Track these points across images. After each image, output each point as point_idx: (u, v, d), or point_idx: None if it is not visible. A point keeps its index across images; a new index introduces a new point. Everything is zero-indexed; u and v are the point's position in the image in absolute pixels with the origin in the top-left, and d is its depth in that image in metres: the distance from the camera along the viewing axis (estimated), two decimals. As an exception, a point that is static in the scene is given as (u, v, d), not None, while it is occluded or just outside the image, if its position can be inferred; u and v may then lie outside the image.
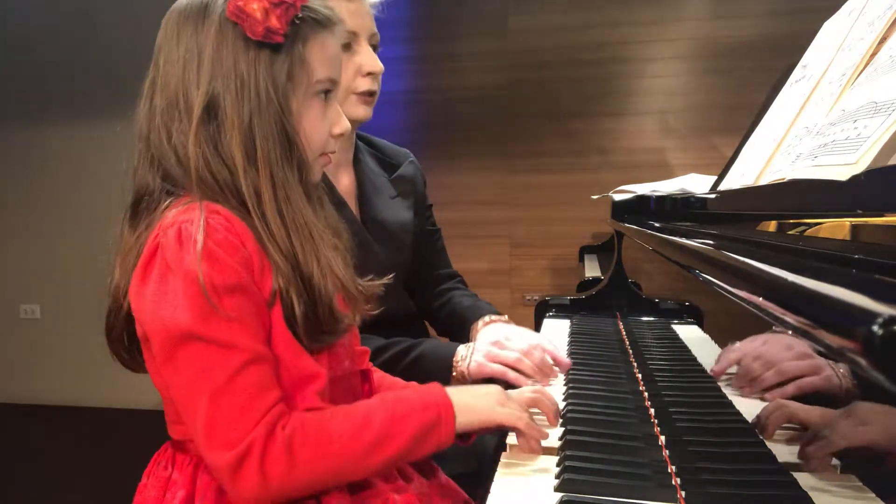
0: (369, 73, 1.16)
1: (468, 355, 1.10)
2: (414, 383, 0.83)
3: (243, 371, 0.66)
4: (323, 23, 0.75)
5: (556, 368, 1.09)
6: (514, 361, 1.07)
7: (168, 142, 0.72)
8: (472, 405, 0.75)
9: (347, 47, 1.14)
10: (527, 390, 0.86)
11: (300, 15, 0.72)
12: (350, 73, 1.15)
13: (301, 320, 0.70)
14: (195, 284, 0.65)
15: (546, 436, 0.77)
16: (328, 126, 0.78)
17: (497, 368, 1.07)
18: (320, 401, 0.71)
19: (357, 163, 1.29)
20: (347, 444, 0.68)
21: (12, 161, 3.56)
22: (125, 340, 0.76)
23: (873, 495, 0.54)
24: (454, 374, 1.10)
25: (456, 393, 0.75)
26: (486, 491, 0.69)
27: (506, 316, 1.29)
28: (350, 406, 0.72)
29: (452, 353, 1.11)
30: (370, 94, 1.18)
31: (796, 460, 0.64)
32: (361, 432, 0.69)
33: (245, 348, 0.66)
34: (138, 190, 0.75)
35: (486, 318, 1.26)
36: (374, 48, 1.20)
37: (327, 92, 0.78)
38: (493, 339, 1.12)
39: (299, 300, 0.70)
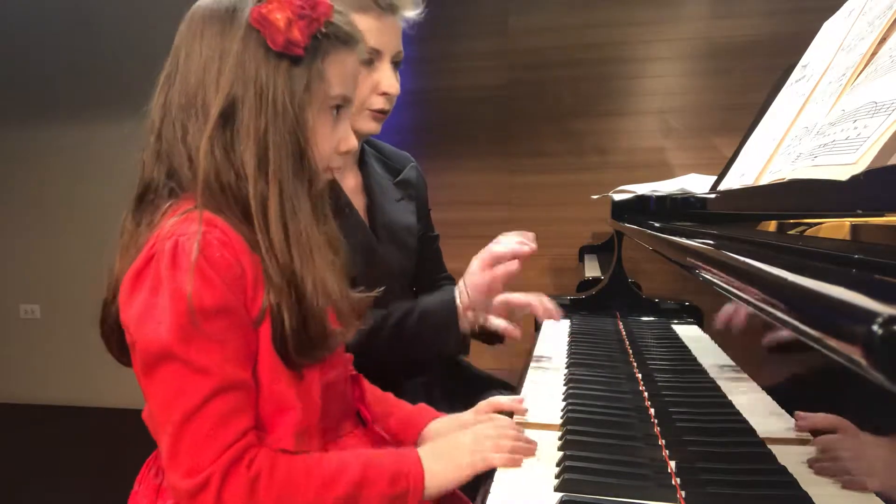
0: (385, 93, 1.16)
1: (462, 287, 1.12)
2: (390, 450, 0.79)
3: (214, 398, 0.65)
4: (344, 40, 0.75)
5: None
6: (491, 255, 1.09)
7: (182, 139, 0.72)
8: (444, 472, 0.74)
9: (369, 63, 1.14)
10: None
11: (323, 30, 0.72)
12: (367, 89, 1.15)
13: (291, 336, 0.70)
14: (182, 303, 0.64)
15: (518, 463, 0.75)
16: (336, 142, 0.78)
17: (486, 276, 1.08)
18: (296, 442, 0.70)
19: (363, 165, 1.29)
20: (312, 499, 0.67)
21: (12, 160, 3.56)
22: (117, 332, 0.76)
23: (873, 495, 0.54)
24: (460, 311, 1.11)
25: (430, 457, 0.74)
26: (487, 491, 0.69)
27: None
28: (324, 457, 0.71)
29: (452, 296, 1.12)
30: (382, 112, 1.18)
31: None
32: (328, 489, 0.68)
33: (220, 375, 0.65)
34: (144, 183, 0.75)
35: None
36: (396, 66, 1.19)
37: (339, 107, 0.77)
38: (470, 265, 1.13)
39: (290, 315, 0.69)
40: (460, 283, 1.13)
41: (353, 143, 0.80)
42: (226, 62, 0.70)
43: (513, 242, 1.09)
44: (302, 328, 0.70)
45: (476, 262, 1.11)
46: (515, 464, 0.75)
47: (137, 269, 0.68)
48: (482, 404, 0.92)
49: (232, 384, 0.66)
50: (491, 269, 1.09)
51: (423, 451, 0.75)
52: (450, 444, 0.79)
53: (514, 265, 1.07)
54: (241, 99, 0.70)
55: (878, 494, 0.52)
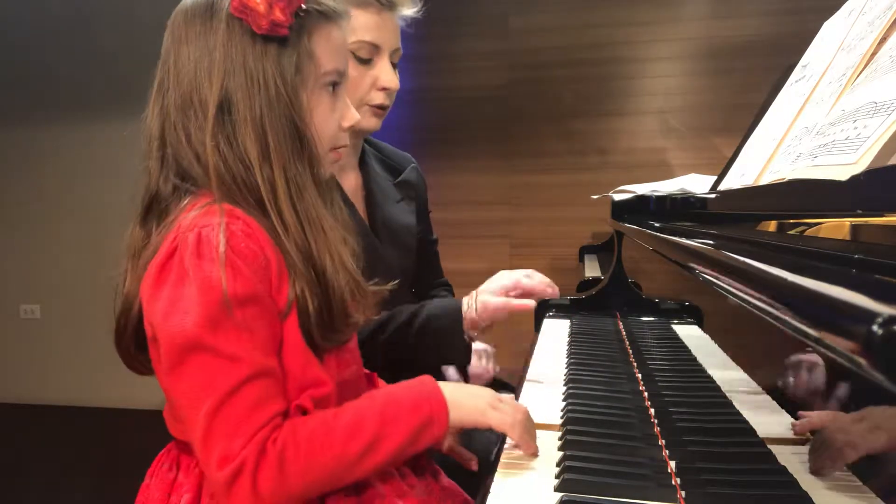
0: (384, 88, 1.16)
1: (472, 301, 1.11)
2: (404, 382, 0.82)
3: (245, 385, 0.65)
4: (328, 14, 0.75)
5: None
6: (515, 282, 1.09)
7: (187, 141, 0.72)
8: (463, 403, 0.74)
9: (368, 60, 1.14)
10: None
11: (304, 7, 0.72)
12: (366, 85, 1.15)
13: (315, 318, 0.70)
14: (210, 293, 0.64)
15: (536, 452, 0.76)
16: (338, 119, 0.78)
17: (500, 301, 1.08)
18: (313, 405, 0.70)
19: (363, 165, 1.29)
20: (340, 453, 0.67)
21: (12, 161, 3.56)
22: (135, 345, 0.76)
23: (873, 495, 0.54)
24: (465, 323, 1.10)
25: (448, 388, 0.74)
26: (487, 491, 0.69)
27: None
28: (341, 410, 0.71)
29: (459, 305, 1.12)
30: (382, 108, 1.18)
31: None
32: (353, 439, 0.68)
33: (250, 362, 0.65)
34: (150, 191, 0.75)
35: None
36: (395, 63, 1.19)
37: (335, 84, 0.77)
38: (491, 279, 1.14)
39: (313, 296, 0.70)
40: (472, 295, 1.13)
41: (356, 116, 0.80)
42: (214, 56, 0.71)
43: (542, 283, 1.08)
44: (325, 308, 0.71)
45: (497, 283, 1.10)
46: (531, 448, 0.75)
47: (160, 264, 0.68)
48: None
49: (262, 371, 0.66)
50: (507, 295, 1.09)
51: (442, 384, 0.75)
52: (469, 389, 0.79)
53: (531, 304, 1.06)
54: (234, 89, 0.71)
55: (878, 494, 0.52)
